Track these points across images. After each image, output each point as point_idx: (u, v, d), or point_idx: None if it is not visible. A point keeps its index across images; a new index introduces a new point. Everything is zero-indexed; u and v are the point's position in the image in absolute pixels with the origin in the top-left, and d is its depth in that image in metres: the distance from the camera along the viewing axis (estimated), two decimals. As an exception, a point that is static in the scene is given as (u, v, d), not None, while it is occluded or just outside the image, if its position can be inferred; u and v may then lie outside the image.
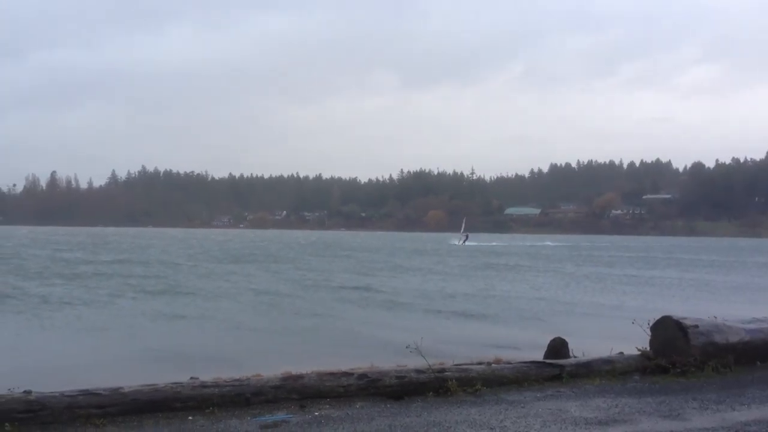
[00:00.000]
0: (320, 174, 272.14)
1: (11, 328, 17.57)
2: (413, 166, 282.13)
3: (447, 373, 8.60)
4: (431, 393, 8.27)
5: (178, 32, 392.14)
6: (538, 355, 10.66)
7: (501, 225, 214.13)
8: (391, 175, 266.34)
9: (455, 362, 9.40)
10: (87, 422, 6.96)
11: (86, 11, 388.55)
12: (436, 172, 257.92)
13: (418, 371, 8.59)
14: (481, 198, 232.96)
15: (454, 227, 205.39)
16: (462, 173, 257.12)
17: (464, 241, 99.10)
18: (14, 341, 15.68)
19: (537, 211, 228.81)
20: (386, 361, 10.21)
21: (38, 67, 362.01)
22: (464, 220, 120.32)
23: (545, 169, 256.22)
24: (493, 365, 9.31)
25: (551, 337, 11.10)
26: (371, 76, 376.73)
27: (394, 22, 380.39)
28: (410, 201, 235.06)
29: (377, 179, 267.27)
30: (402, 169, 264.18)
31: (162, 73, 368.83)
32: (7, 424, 6.78)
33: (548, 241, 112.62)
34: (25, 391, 7.15)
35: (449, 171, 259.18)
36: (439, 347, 12.34)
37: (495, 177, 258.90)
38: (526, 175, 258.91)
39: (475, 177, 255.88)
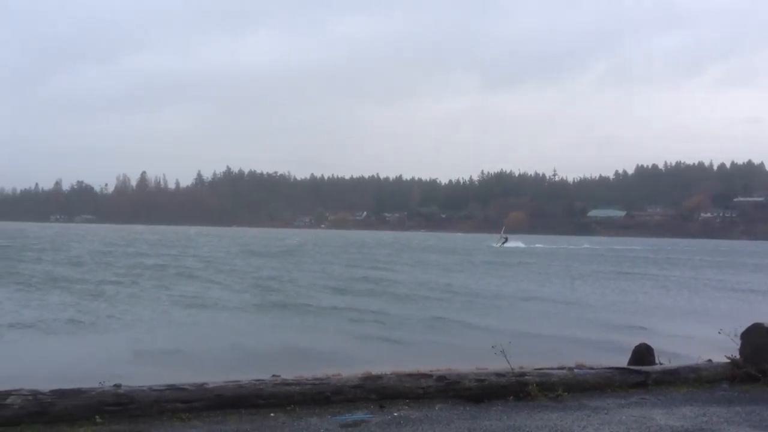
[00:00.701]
0: (400, 175, 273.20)
1: (102, 322, 18.19)
2: (494, 167, 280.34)
3: (528, 377, 8.49)
4: (511, 397, 8.18)
5: (263, 36, 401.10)
6: (621, 361, 10.42)
7: (584, 227, 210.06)
8: (471, 176, 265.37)
9: (536, 366, 9.27)
10: (173, 416, 7.16)
11: (175, 17, 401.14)
12: (517, 174, 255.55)
13: (498, 374, 8.51)
14: (564, 200, 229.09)
15: (535, 229, 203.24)
16: (544, 174, 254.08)
17: (503, 243, 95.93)
18: (102, 335, 16.25)
19: (622, 213, 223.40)
20: (465, 363, 10.15)
21: (129, 71, 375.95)
22: (505, 222, 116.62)
23: (630, 170, 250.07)
24: (575, 370, 9.15)
25: (635, 342, 10.83)
26: (452, 77, 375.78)
27: (476, 22, 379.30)
28: (490, 202, 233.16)
29: (457, 180, 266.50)
30: (483, 170, 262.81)
31: (247, 76, 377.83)
32: (97, 416, 7.04)
33: (618, 245, 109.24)
34: (114, 385, 7.41)
35: (530, 172, 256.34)
36: (518, 350, 12.19)
37: (578, 178, 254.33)
38: (611, 176, 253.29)
39: (557, 178, 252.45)
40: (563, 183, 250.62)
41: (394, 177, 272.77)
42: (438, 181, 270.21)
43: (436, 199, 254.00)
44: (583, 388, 8.71)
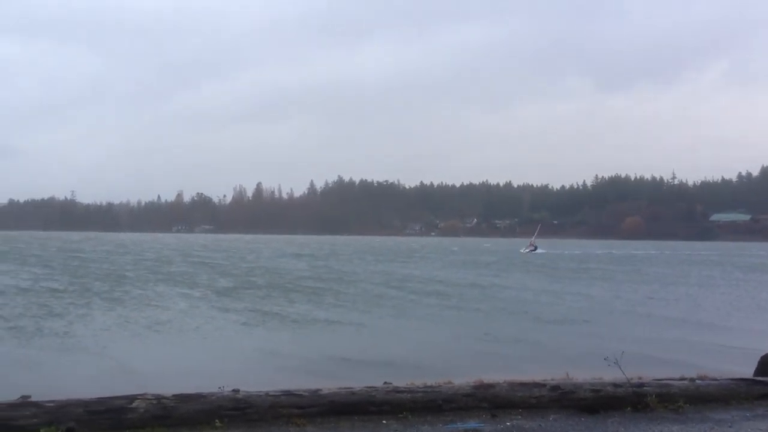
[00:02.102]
0: (510, 181, 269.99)
1: (226, 330, 18.77)
2: (608, 172, 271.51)
3: (646, 388, 8.21)
4: (629, 408, 7.93)
5: (374, 47, 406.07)
6: (746, 371, 9.91)
7: (706, 232, 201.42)
8: (584, 180, 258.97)
9: (655, 377, 8.94)
10: (289, 421, 7.32)
11: (289, 33, 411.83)
12: (633, 177, 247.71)
13: (615, 385, 8.26)
14: (683, 203, 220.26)
15: (652, 234, 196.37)
16: (661, 178, 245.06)
17: (532, 250, 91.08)
18: (221, 341, 16.77)
19: (746, 217, 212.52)
20: (580, 372, 9.91)
21: (246, 87, 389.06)
22: (537, 228, 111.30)
23: (755, 172, 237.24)
24: (697, 381, 8.77)
25: (761, 352, 10.26)
26: (563, 80, 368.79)
27: (588, 24, 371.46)
28: (605, 207, 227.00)
29: (570, 185, 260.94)
30: (596, 175, 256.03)
31: (359, 87, 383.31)
32: (217, 420, 7.28)
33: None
34: (233, 390, 7.64)
35: (647, 176, 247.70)
36: (635, 359, 11.79)
37: (698, 181, 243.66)
38: (734, 178, 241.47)
39: (675, 181, 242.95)
40: (682, 186, 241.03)
41: (504, 183, 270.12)
42: (549, 187, 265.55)
43: (548, 205, 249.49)
44: (705, 399, 8.35)
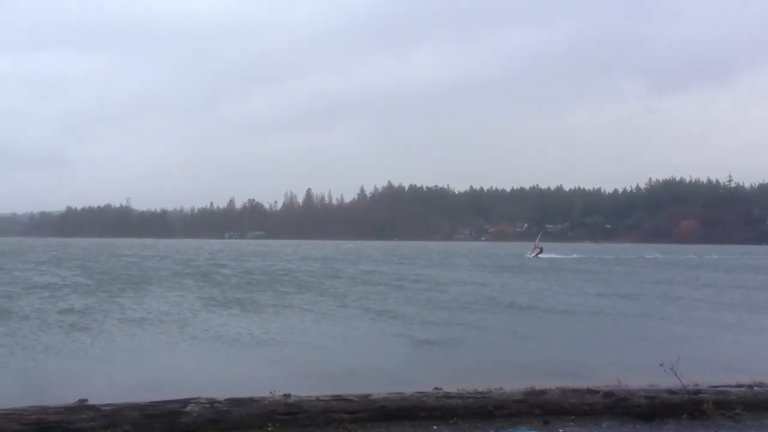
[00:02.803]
0: (561, 185, 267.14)
1: (275, 330, 18.93)
2: (662, 175, 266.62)
3: (702, 395, 8.05)
4: (685, 415, 7.78)
5: (424, 53, 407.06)
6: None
7: (764, 236, 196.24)
8: (638, 184, 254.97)
9: (711, 383, 8.75)
10: (339, 426, 7.36)
11: (339, 39, 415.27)
12: (687, 180, 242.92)
13: (671, 391, 8.12)
14: (740, 207, 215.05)
15: (708, 238, 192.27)
16: (717, 181, 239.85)
17: (537, 254, 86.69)
18: (273, 345, 16.89)
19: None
20: (633, 379, 9.74)
21: (297, 93, 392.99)
22: (540, 232, 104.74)
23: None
24: (755, 388, 8.57)
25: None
26: (616, 83, 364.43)
27: (641, 26, 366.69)
28: (659, 211, 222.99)
29: (623, 189, 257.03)
30: (650, 178, 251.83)
31: (409, 92, 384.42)
32: (269, 424, 7.36)
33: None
34: (284, 395, 7.71)
35: (702, 179, 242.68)
36: (690, 364, 11.54)
37: (756, 184, 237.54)
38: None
39: (732, 184, 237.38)
40: (739, 189, 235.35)
41: (555, 187, 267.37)
42: (602, 191, 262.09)
43: (600, 208, 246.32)
44: (764, 407, 8.15)
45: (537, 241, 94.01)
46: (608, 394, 8.13)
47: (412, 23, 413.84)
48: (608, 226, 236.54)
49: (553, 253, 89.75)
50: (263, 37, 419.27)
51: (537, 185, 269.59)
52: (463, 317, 22.43)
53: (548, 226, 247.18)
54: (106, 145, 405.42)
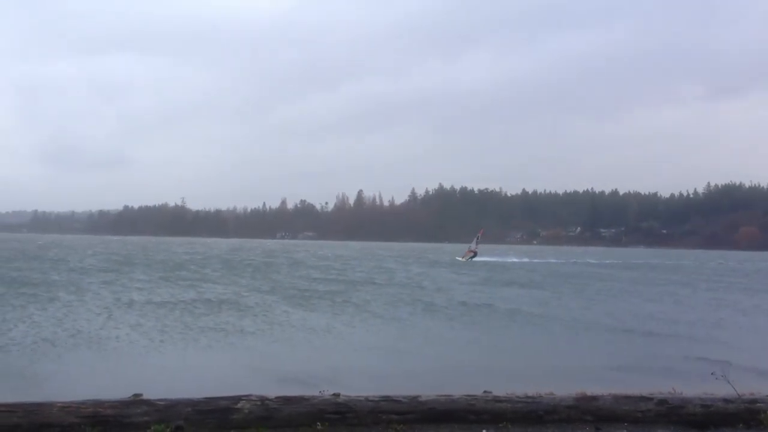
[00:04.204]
0: (616, 189, 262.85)
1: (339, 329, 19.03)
2: (721, 180, 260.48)
3: (759, 404, 7.85)
4: (741, 424, 7.60)
5: (476, 56, 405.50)
6: None
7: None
8: (695, 189, 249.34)
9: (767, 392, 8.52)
10: (388, 427, 7.36)
11: (392, 43, 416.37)
12: (747, 185, 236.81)
13: (726, 400, 7.93)
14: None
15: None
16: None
17: (471, 257, 79.11)
18: (327, 343, 16.99)
19: None
20: (688, 386, 9.53)
21: (349, 98, 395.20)
22: (479, 233, 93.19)
23: None
24: (815, 399, 8.31)
25: None
26: (673, 87, 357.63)
27: (700, 30, 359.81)
28: (717, 217, 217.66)
29: (680, 194, 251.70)
30: (708, 183, 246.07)
31: (460, 95, 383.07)
32: (318, 423, 7.41)
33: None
34: (334, 394, 7.75)
35: (763, 184, 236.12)
36: (742, 372, 11.25)
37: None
38: None
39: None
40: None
41: (610, 191, 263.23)
42: (658, 195, 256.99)
43: (656, 213, 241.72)
44: (825, 419, 7.89)
45: (473, 244, 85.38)
46: (662, 401, 7.98)
47: (467, 26, 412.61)
48: (664, 232, 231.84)
49: (489, 256, 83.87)
50: (319, 41, 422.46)
51: (591, 189, 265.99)
52: (510, 322, 22.26)
53: (602, 230, 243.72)
54: (164, 147, 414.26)
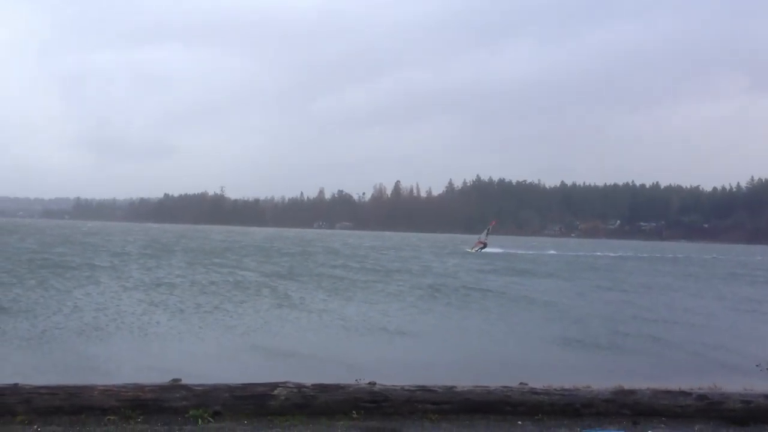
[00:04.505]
0: (657, 182, 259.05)
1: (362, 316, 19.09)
2: (765, 173, 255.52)
3: (802, 402, 7.69)
4: (783, 422, 7.46)
5: (516, 48, 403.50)
6: None
7: None
8: (738, 182, 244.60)
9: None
10: (423, 417, 7.37)
11: (432, 36, 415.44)
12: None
13: (767, 397, 7.79)
14: None
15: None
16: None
17: (481, 249, 76.55)
18: (362, 332, 17.05)
19: None
20: (729, 381, 9.39)
21: (389, 89, 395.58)
22: (490, 224, 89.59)
23: None
24: None
25: None
26: (716, 80, 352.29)
27: (742, 22, 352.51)
28: (762, 211, 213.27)
29: (722, 187, 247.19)
30: (752, 176, 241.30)
31: (499, 87, 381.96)
32: (354, 411, 7.44)
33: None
34: (369, 383, 7.77)
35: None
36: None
37: None
38: None
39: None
40: None
41: (651, 184, 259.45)
42: (700, 189, 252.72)
43: (698, 207, 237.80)
44: None
45: (483, 235, 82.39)
46: (701, 396, 7.87)
47: (508, 18, 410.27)
48: (706, 226, 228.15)
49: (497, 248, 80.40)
50: (360, 32, 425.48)
51: (632, 182, 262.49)
52: (548, 314, 22.12)
53: (642, 224, 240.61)
54: (205, 136, 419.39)
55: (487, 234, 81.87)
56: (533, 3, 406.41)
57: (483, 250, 75.57)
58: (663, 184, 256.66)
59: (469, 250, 76.68)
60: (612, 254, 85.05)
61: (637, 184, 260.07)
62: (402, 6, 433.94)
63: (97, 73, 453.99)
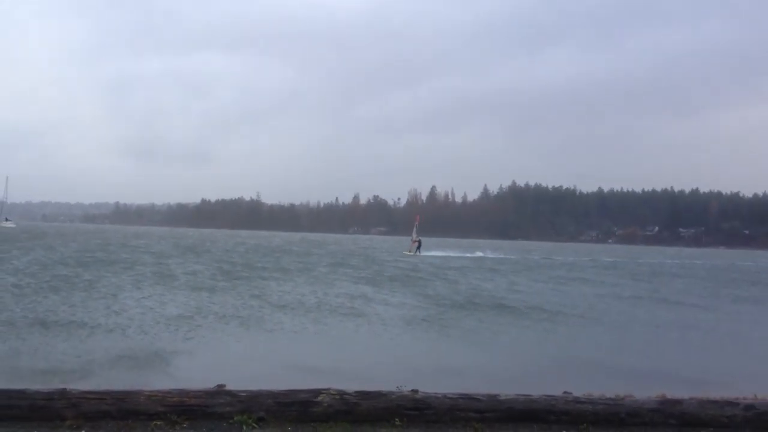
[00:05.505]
0: (697, 188, 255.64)
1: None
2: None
3: None
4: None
5: (556, 54, 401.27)
6: None
7: None
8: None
9: None
10: (466, 425, 7.35)
11: (472, 39, 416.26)
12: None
13: (817, 408, 7.65)
14: None
15: None
16: None
17: (417, 250, 70.69)
18: (402, 337, 17.05)
19: None
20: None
21: (429, 95, 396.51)
22: (417, 220, 78.95)
23: None
24: None
25: None
26: (758, 85, 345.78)
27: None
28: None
29: (763, 193, 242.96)
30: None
31: (538, 93, 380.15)
32: (396, 419, 7.45)
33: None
34: (412, 390, 7.77)
35: None
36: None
37: None
38: None
39: None
40: None
41: (690, 190, 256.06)
42: (741, 195, 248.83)
43: (739, 214, 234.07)
44: None
45: (414, 234, 75.30)
46: (749, 407, 7.75)
47: (548, 23, 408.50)
48: (746, 232, 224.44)
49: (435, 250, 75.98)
50: (402, 38, 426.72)
51: (671, 188, 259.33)
52: (588, 321, 21.90)
53: (681, 230, 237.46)
54: (242, 141, 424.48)
55: (416, 232, 75.06)
56: (574, 9, 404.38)
57: (420, 251, 70.60)
58: (703, 189, 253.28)
59: (407, 253, 70.72)
60: (651, 260, 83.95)
61: (676, 189, 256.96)
62: (443, 12, 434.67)
63: (138, 81, 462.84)
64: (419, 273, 40.82)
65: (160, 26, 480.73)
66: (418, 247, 71.50)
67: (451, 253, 76.47)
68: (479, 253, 78.62)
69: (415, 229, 75.80)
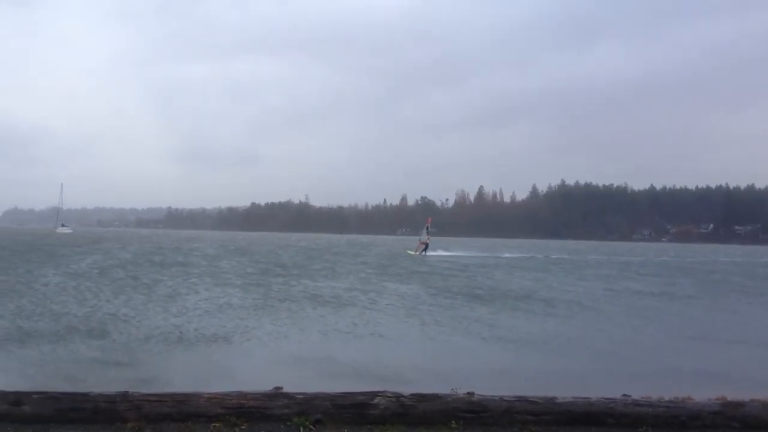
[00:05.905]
0: (753, 183, 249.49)
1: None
2: None
3: None
4: None
5: (604, 49, 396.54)
6: None
7: None
8: None
9: None
10: (523, 428, 7.31)
11: (518, 37, 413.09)
12: None
13: None
14: None
15: None
16: None
17: (423, 251, 69.67)
18: (458, 340, 17.01)
19: None
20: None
21: (475, 93, 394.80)
22: (428, 222, 78.42)
23: None
24: None
25: None
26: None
27: None
28: None
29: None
30: None
31: (586, 90, 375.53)
32: (452, 421, 7.44)
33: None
34: (468, 393, 7.76)
35: None
36: None
37: None
38: None
39: None
40: None
41: (746, 186, 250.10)
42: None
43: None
44: None
45: (423, 235, 74.24)
46: (813, 409, 7.56)
47: (595, 20, 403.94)
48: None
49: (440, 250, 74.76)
50: (447, 37, 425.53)
51: (726, 184, 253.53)
52: (639, 321, 21.57)
53: (737, 227, 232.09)
54: (291, 145, 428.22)
55: (427, 233, 74.00)
56: (623, 2, 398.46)
57: (426, 253, 69.30)
58: (758, 185, 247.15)
59: (412, 253, 70.00)
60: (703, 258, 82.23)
61: (731, 185, 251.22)
62: (489, 9, 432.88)
63: (189, 86, 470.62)
64: (466, 272, 40.68)
65: (207, 32, 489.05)
66: (425, 249, 70.67)
67: (461, 252, 77.68)
68: (507, 255, 77.55)
69: (425, 231, 74.78)
